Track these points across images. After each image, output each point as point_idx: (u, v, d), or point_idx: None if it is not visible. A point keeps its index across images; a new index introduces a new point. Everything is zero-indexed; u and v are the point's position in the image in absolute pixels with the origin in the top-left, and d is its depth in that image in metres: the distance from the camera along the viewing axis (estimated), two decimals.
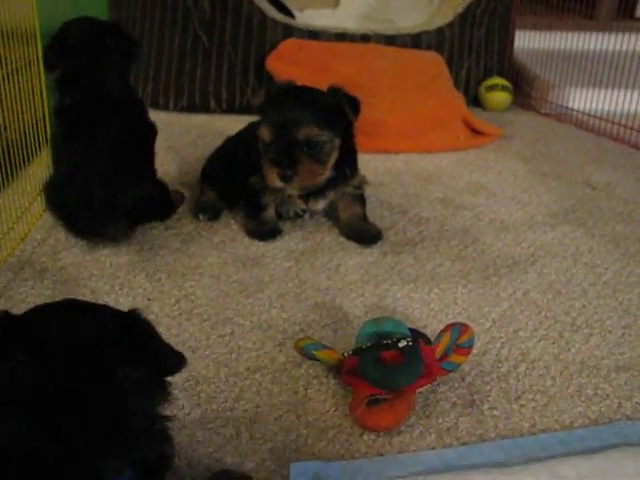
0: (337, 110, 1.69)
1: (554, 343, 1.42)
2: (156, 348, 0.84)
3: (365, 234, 1.83)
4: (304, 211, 1.89)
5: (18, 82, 1.75)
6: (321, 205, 1.84)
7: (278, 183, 1.66)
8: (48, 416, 0.72)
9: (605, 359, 1.37)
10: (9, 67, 1.69)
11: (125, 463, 0.75)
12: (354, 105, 1.70)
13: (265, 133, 1.68)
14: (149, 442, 0.79)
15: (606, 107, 2.89)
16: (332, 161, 1.71)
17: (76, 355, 0.75)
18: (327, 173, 1.72)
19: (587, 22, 3.60)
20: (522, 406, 1.23)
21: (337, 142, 1.70)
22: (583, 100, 2.98)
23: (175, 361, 0.85)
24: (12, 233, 1.73)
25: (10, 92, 1.71)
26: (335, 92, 1.70)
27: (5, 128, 1.70)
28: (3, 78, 1.65)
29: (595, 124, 2.88)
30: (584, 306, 1.55)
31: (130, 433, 0.75)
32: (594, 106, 2.93)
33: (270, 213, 1.85)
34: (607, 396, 1.26)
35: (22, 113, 1.78)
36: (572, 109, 3.01)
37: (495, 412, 1.21)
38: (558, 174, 2.34)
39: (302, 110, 1.66)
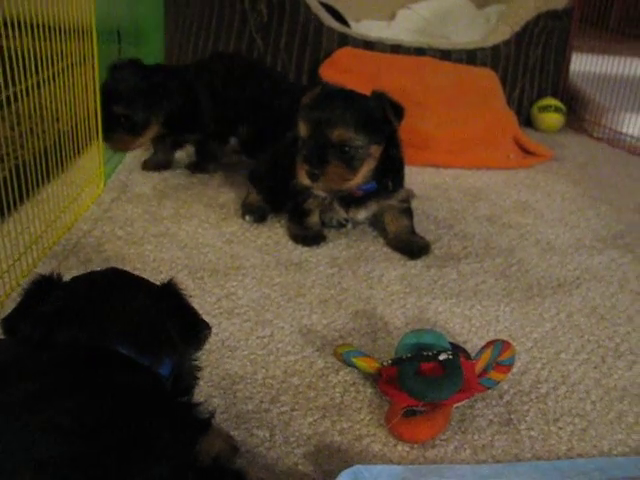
0: (379, 116, 1.67)
1: (596, 368, 1.39)
2: (191, 310, 1.01)
3: (413, 246, 1.81)
4: (346, 220, 1.89)
5: (73, 76, 1.79)
6: (362, 215, 1.83)
7: (306, 180, 1.66)
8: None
9: None
10: (65, 61, 1.72)
11: (165, 355, 0.92)
12: (397, 111, 1.68)
13: (302, 129, 1.68)
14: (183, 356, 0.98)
15: None
16: (365, 169, 1.69)
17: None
18: (358, 180, 1.69)
19: None
20: (560, 429, 1.21)
21: (374, 149, 1.68)
22: (638, 126, 2.93)
23: (206, 324, 1.01)
24: (59, 222, 1.76)
25: (65, 85, 1.75)
26: (378, 97, 1.69)
27: (58, 119, 1.74)
28: (59, 72, 1.69)
29: None
30: (629, 333, 1.52)
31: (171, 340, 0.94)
32: None
33: (314, 219, 1.84)
34: None
35: (75, 106, 1.82)
36: (626, 134, 2.97)
37: (532, 433, 1.20)
38: (608, 199, 2.30)
39: (340, 110, 1.64)
